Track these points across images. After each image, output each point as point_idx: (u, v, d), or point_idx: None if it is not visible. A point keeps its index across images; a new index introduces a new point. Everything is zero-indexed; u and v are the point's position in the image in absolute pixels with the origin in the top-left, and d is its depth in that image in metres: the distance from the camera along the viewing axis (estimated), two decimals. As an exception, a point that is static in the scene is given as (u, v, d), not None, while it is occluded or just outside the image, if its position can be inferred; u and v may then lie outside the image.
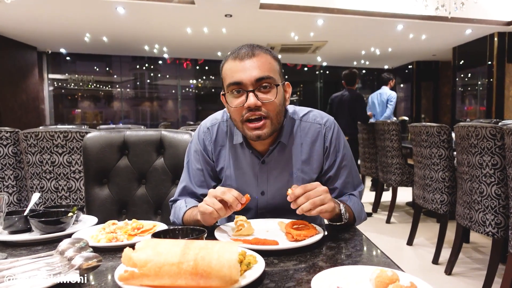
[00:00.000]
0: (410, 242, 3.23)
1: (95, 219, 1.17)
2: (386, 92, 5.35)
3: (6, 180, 2.40)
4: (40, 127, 2.74)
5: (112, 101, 10.56)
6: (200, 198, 1.22)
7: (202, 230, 0.89)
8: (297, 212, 0.94)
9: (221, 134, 1.24)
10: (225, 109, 1.25)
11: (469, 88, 8.81)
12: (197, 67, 10.85)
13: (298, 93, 11.93)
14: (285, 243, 0.90)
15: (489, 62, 7.55)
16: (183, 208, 1.16)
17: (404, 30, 6.90)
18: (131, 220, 1.08)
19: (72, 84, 9.96)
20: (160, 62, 10.46)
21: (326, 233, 1.01)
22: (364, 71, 11.95)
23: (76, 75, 10.00)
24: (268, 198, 1.21)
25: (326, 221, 1.14)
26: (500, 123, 3.46)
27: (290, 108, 1.24)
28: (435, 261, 2.81)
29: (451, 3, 5.12)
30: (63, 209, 1.14)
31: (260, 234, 0.99)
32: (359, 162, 4.85)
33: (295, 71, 10.84)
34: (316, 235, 0.93)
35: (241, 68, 1.07)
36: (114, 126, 6.88)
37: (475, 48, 7.84)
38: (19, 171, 2.44)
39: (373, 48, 8.74)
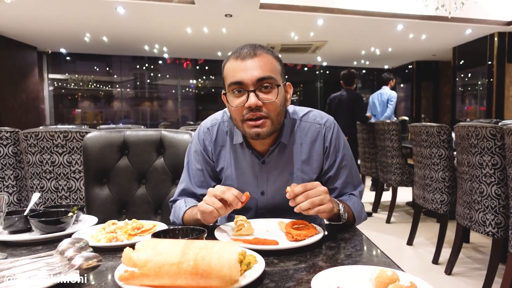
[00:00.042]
0: (410, 242, 3.23)
1: (95, 219, 1.17)
2: (386, 92, 5.36)
3: (6, 180, 2.40)
4: (40, 127, 2.74)
5: (112, 101, 10.56)
6: (199, 198, 1.21)
7: (202, 230, 0.89)
8: (295, 210, 0.94)
9: (221, 134, 1.24)
10: (225, 109, 1.25)
11: (469, 88, 8.81)
12: (197, 67, 10.85)
13: (298, 93, 11.94)
14: (285, 243, 0.90)
15: (489, 62, 7.55)
16: (183, 208, 1.16)
17: (404, 30, 6.90)
18: (131, 220, 1.08)
19: (72, 84, 9.96)
20: (160, 62, 10.46)
21: (326, 233, 1.01)
22: (364, 71, 11.95)
23: (76, 75, 10.00)
24: (268, 198, 1.21)
25: (326, 221, 1.14)
26: (500, 123, 3.46)
27: (290, 108, 1.24)
28: (435, 261, 2.81)
29: (451, 3, 5.12)
30: (63, 209, 1.14)
31: (260, 234, 0.99)
32: (359, 162, 4.85)
33: (295, 71, 10.84)
34: (316, 235, 0.93)
35: (242, 68, 1.07)
36: (114, 126, 6.87)
37: (475, 48, 7.84)
38: (19, 171, 2.44)
39: (373, 48, 8.74)
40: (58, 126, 3.50)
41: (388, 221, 3.94)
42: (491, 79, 7.56)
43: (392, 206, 3.94)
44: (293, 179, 1.19)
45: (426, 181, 2.91)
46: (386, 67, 11.50)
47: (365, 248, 0.93)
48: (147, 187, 1.49)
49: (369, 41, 8.07)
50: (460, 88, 8.82)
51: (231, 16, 6.08)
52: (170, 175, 1.48)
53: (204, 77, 11.14)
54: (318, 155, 1.20)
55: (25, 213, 1.10)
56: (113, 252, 0.91)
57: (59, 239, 0.85)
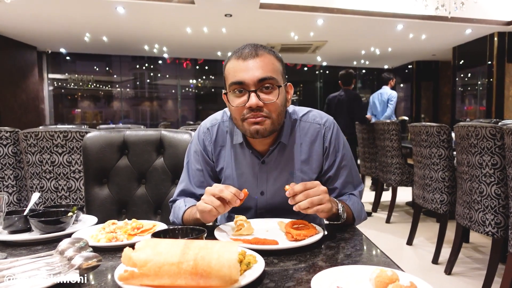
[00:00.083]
0: (410, 241, 3.23)
1: (95, 219, 1.17)
2: (386, 92, 5.37)
3: (6, 180, 2.40)
4: (40, 127, 2.74)
5: (112, 101, 10.56)
6: (199, 198, 1.21)
7: (202, 229, 0.89)
8: (294, 208, 0.95)
9: (221, 134, 1.24)
10: (225, 109, 1.25)
11: (469, 88, 8.81)
12: (197, 67, 10.85)
13: (298, 93, 11.94)
14: (285, 243, 0.90)
15: (489, 62, 7.55)
16: (182, 207, 1.16)
17: (404, 30, 6.90)
18: (130, 220, 1.08)
19: (72, 84, 9.96)
20: (160, 62, 10.46)
21: (326, 232, 1.01)
22: (364, 71, 11.95)
23: (76, 75, 10.00)
24: (268, 198, 1.21)
25: (325, 221, 1.14)
26: (500, 123, 3.46)
27: (290, 108, 1.23)
28: (435, 260, 2.81)
29: (451, 3, 5.12)
30: (63, 209, 1.14)
31: (260, 234, 0.99)
32: (358, 162, 4.86)
33: (295, 71, 10.84)
34: (316, 235, 0.93)
35: (244, 68, 1.06)
36: (114, 126, 6.88)
37: (475, 48, 7.84)
38: (19, 171, 2.44)
39: (373, 48, 8.74)
40: (58, 126, 3.50)
41: (388, 221, 3.94)
42: (491, 79, 7.56)
43: (392, 206, 3.95)
44: (292, 179, 1.19)
45: (426, 181, 2.91)
46: (386, 67, 11.50)
47: (365, 248, 0.93)
48: (147, 187, 1.49)
49: (369, 41, 8.07)
50: (460, 88, 8.82)
51: (231, 16, 6.08)
52: (170, 175, 1.48)
53: (204, 77, 11.13)
54: (318, 155, 1.20)
55: (25, 213, 1.10)
56: (113, 252, 0.91)
57: (59, 239, 0.85)
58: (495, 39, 7.31)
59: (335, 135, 1.21)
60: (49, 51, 9.09)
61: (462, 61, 8.45)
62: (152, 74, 10.73)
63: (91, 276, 0.75)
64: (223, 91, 1.15)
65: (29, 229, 1.05)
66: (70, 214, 1.07)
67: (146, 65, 10.42)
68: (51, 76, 9.52)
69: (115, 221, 1.08)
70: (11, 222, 1.04)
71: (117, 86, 10.51)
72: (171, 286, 0.65)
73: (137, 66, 10.50)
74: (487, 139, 2.09)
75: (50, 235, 1.00)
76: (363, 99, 10.88)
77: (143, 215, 1.45)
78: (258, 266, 0.74)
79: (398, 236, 3.49)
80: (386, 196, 4.60)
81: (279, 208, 1.19)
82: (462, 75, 8.76)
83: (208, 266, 0.64)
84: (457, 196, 2.52)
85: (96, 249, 0.86)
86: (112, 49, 8.82)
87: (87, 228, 1.07)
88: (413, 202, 3.26)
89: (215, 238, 0.94)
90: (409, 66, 10.82)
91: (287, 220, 1.04)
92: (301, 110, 1.25)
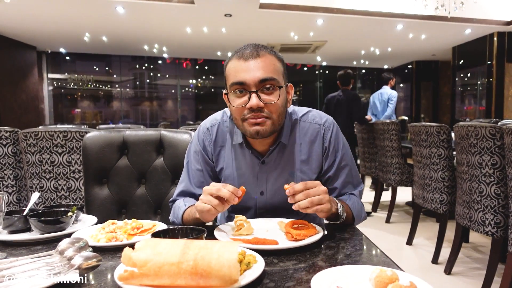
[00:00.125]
0: (409, 241, 3.23)
1: (94, 219, 1.17)
2: (387, 92, 5.38)
3: (5, 180, 2.40)
4: (40, 127, 2.74)
5: (112, 100, 10.56)
6: (199, 198, 1.22)
7: (202, 229, 0.89)
8: (293, 207, 0.95)
9: (221, 134, 1.24)
10: (225, 109, 1.25)
11: (468, 88, 8.82)
12: (197, 67, 10.85)
13: (298, 92, 11.94)
14: (284, 243, 0.90)
15: (489, 62, 7.55)
16: (182, 207, 1.16)
17: (403, 29, 6.91)
18: (130, 219, 1.08)
19: (72, 84, 9.96)
20: (159, 61, 10.46)
21: (325, 232, 1.01)
22: (363, 71, 11.95)
23: (76, 75, 10.00)
24: (267, 198, 1.21)
25: (325, 221, 1.14)
26: (499, 123, 3.46)
27: (290, 108, 1.23)
28: (435, 260, 2.81)
29: (451, 3, 5.12)
30: (62, 209, 1.14)
31: (260, 234, 0.98)
32: (358, 162, 4.86)
33: (294, 71, 10.84)
34: (316, 235, 0.93)
35: (245, 68, 1.06)
36: (113, 125, 6.89)
37: (475, 48, 7.84)
38: (18, 170, 2.44)
39: (372, 48, 8.74)
40: (58, 126, 3.50)
41: (387, 220, 3.94)
42: (491, 79, 7.56)
43: (391, 206, 3.95)
44: (292, 179, 1.19)
45: (425, 180, 2.91)
46: (385, 67, 11.51)
47: (364, 247, 0.93)
48: (146, 187, 1.49)
49: (369, 41, 8.07)
50: (459, 88, 8.83)
51: (230, 16, 6.08)
52: (170, 175, 1.48)
53: (203, 77, 11.13)
54: (317, 155, 1.20)
55: (25, 213, 1.10)
56: (113, 252, 0.91)
57: (59, 239, 0.85)
58: (495, 39, 7.32)
59: (334, 135, 1.21)
60: (49, 51, 9.09)
61: (462, 61, 8.45)
62: (152, 74, 10.73)
63: (91, 276, 0.75)
64: (224, 91, 1.15)
65: (28, 229, 1.05)
66: (69, 214, 1.07)
67: (146, 65, 10.42)
68: (50, 76, 9.52)
69: (115, 221, 1.08)
70: (11, 222, 1.04)
71: (117, 86, 10.51)
72: (171, 286, 0.65)
73: (137, 66, 10.50)
74: (486, 139, 2.09)
75: (50, 235, 1.00)
76: (363, 99, 10.91)
77: (143, 215, 1.45)
78: (258, 266, 0.74)
79: (398, 236, 3.49)
80: (386, 196, 4.60)
81: (279, 208, 1.19)
82: (461, 75, 8.76)
83: (208, 266, 0.64)
84: (457, 196, 2.52)
85: (96, 249, 0.86)
86: (112, 49, 8.82)
87: (87, 228, 1.07)
88: (413, 202, 3.26)
89: (215, 238, 0.94)
90: (409, 66, 10.83)
91: (287, 220, 1.04)
92: (301, 110, 1.25)
